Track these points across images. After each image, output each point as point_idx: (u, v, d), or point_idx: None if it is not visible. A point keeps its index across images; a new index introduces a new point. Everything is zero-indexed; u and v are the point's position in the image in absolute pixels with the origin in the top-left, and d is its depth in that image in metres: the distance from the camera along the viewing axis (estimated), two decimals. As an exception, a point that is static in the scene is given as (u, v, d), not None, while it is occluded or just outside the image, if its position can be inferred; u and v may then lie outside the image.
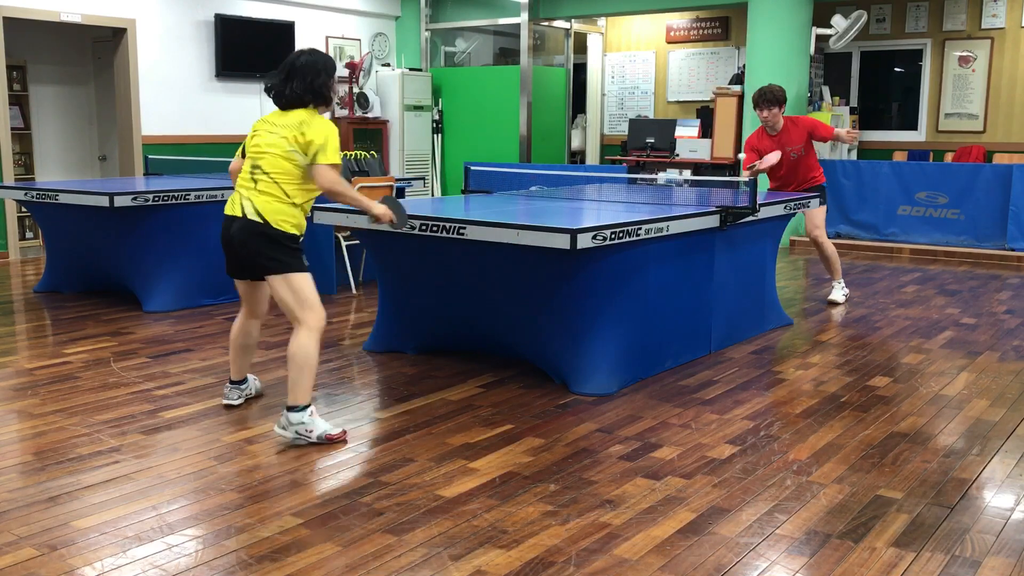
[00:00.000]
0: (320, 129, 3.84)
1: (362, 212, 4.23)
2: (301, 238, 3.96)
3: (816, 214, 6.86)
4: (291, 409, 3.85)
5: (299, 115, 3.89)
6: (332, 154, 3.82)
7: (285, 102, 3.93)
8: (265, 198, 3.86)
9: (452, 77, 12.17)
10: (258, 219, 3.84)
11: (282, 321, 6.19)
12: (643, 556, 2.89)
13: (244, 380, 4.42)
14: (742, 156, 6.79)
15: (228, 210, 3.97)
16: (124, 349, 5.43)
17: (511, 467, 3.62)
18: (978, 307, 6.90)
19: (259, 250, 3.87)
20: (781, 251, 8.75)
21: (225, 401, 4.38)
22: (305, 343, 3.84)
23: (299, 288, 3.88)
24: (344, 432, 3.95)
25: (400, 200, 4.38)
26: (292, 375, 3.84)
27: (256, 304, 4.28)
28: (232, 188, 4.10)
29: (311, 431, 3.84)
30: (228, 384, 4.41)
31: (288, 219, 3.88)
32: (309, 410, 3.86)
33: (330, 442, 3.87)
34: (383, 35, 12.10)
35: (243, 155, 4.06)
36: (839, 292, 7.03)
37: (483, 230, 4.41)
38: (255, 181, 3.89)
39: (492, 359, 5.15)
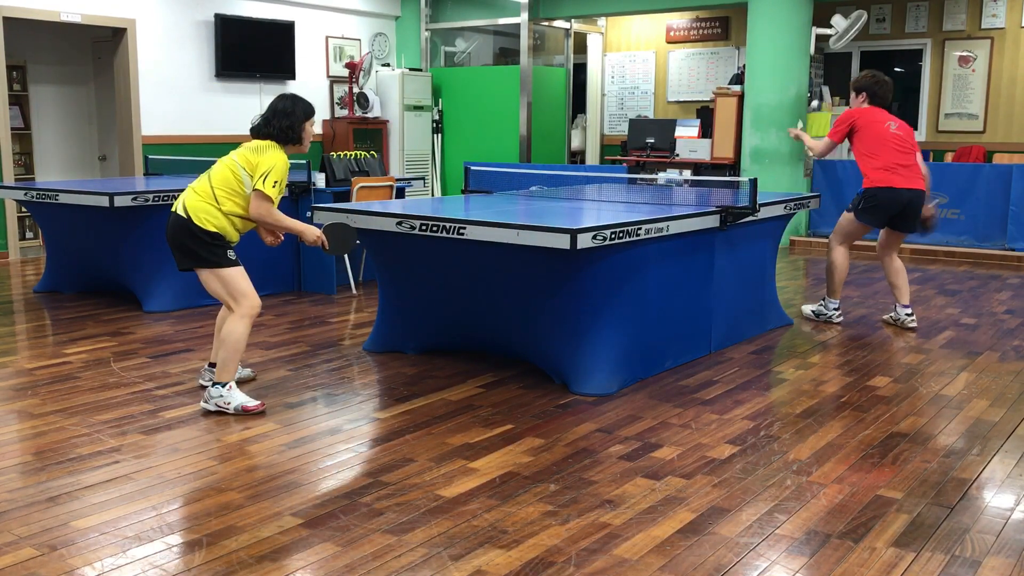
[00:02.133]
0: (270, 159, 4.21)
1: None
2: (228, 241, 4.28)
3: (840, 220, 6.27)
4: (213, 384, 4.28)
5: (263, 142, 4.30)
6: (268, 186, 4.17)
7: (260, 135, 4.33)
8: (194, 197, 4.25)
9: (452, 77, 12.18)
10: (183, 214, 4.23)
11: (282, 322, 6.19)
12: (643, 556, 2.89)
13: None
14: None
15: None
16: (124, 349, 5.43)
17: (511, 467, 3.62)
18: (978, 307, 6.90)
19: (183, 242, 4.25)
20: (781, 251, 8.74)
21: (200, 381, 4.65)
22: (235, 327, 4.23)
23: (228, 279, 4.25)
24: (262, 404, 4.30)
25: (345, 225, 4.53)
26: (221, 355, 4.27)
27: None
28: None
29: (229, 403, 4.24)
30: (206, 366, 4.66)
31: (210, 217, 4.21)
32: (228, 385, 4.27)
33: (246, 413, 4.22)
34: (383, 35, 12.10)
35: None
36: (812, 308, 6.41)
37: (483, 230, 4.41)
38: (196, 185, 4.29)
39: (492, 359, 5.15)
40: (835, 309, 6.34)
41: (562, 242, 4.13)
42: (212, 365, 4.57)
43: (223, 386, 4.25)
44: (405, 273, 5.21)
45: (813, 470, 3.63)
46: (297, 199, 6.99)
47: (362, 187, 7.06)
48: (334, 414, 4.29)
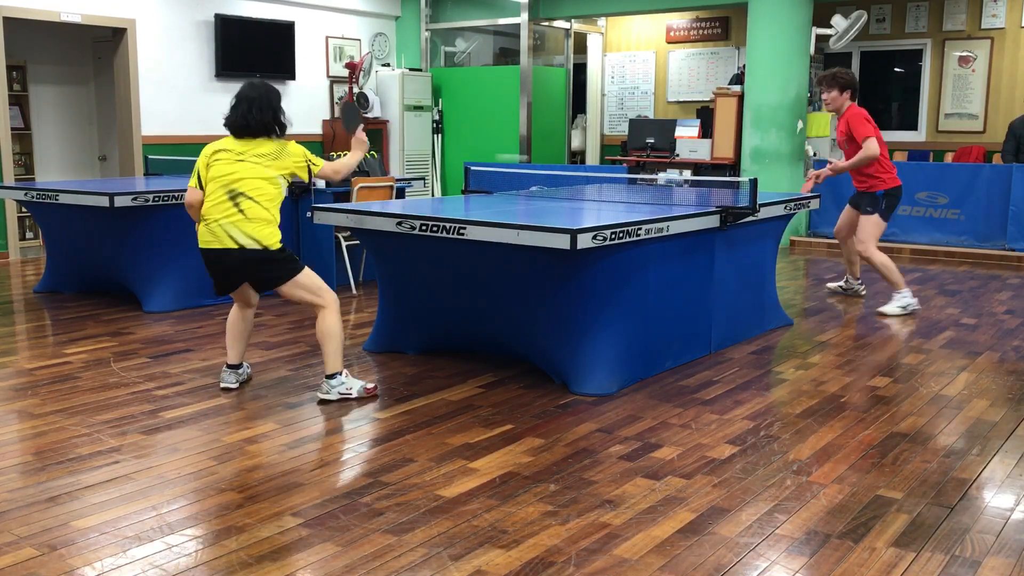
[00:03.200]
0: (292, 150, 4.40)
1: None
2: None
3: (864, 225, 6.49)
4: (329, 377, 4.42)
5: (269, 146, 4.35)
6: (316, 159, 4.49)
7: (251, 131, 4.34)
8: (256, 224, 4.27)
9: (452, 77, 12.17)
10: (257, 246, 4.27)
11: (283, 322, 6.19)
12: (643, 556, 2.89)
13: (240, 364, 4.69)
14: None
15: (214, 243, 4.28)
16: (124, 349, 5.43)
17: (511, 467, 3.62)
18: (978, 307, 6.90)
19: (262, 273, 4.37)
20: (781, 251, 8.74)
21: (223, 384, 4.63)
22: (330, 321, 4.38)
23: (306, 283, 4.39)
24: (376, 386, 4.54)
25: (352, 106, 5.01)
26: (326, 348, 4.40)
27: (249, 297, 4.60)
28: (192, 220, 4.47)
29: (350, 389, 4.43)
30: (226, 368, 4.65)
31: (276, 235, 4.34)
32: (344, 372, 4.45)
33: (368, 395, 4.45)
34: (383, 35, 12.10)
35: (200, 187, 4.36)
36: (894, 305, 6.55)
37: (483, 230, 4.41)
38: (240, 210, 4.26)
39: (492, 359, 5.15)
40: (912, 297, 6.63)
41: (562, 242, 4.13)
42: (230, 366, 4.64)
43: (339, 375, 4.41)
44: (405, 273, 5.21)
45: (813, 470, 3.63)
46: (297, 199, 6.99)
47: (362, 187, 7.06)
48: (334, 414, 4.29)
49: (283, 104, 4.45)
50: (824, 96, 6.55)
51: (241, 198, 4.25)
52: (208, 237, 4.29)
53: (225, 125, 4.38)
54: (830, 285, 7.52)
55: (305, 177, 4.51)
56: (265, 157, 4.32)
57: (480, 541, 2.98)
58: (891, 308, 6.56)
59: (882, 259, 6.52)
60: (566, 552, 2.91)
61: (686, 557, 2.89)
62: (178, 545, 2.94)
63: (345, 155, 4.75)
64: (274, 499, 3.30)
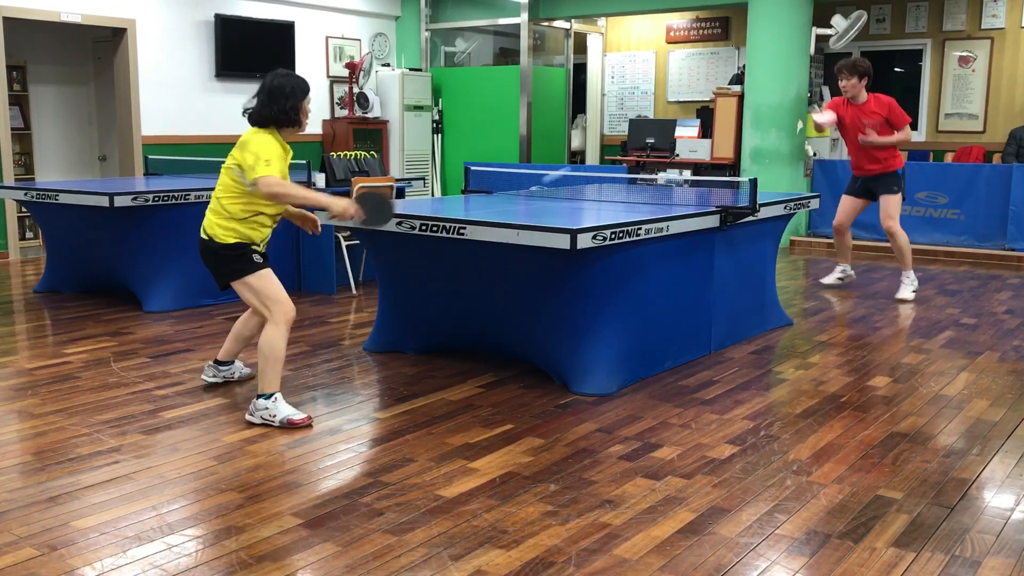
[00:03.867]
0: (254, 146, 4.00)
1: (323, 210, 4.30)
2: (253, 245, 4.16)
3: (890, 203, 6.94)
4: (259, 396, 4.12)
5: (245, 136, 4.09)
6: (262, 167, 3.95)
7: (263, 121, 4.10)
8: (210, 214, 4.18)
9: (452, 77, 12.17)
10: (205, 236, 4.17)
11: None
12: (643, 556, 2.89)
13: (228, 363, 4.67)
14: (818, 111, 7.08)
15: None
16: (124, 349, 5.43)
17: (511, 467, 3.62)
18: (978, 307, 6.90)
19: (212, 264, 4.22)
20: (781, 251, 8.75)
21: (204, 378, 4.67)
22: (271, 336, 4.09)
23: (258, 287, 4.14)
24: (309, 417, 4.13)
25: (383, 197, 4.45)
26: (260, 366, 4.12)
27: None
28: None
29: (274, 416, 4.08)
30: (211, 362, 4.69)
31: (224, 227, 4.11)
32: (273, 397, 4.10)
33: (292, 427, 4.05)
34: (383, 35, 12.10)
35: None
36: (908, 289, 7.05)
37: (483, 230, 4.41)
38: (210, 206, 4.21)
39: (492, 359, 5.15)
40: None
41: (562, 242, 4.13)
42: (217, 362, 4.63)
43: (267, 398, 4.08)
44: (405, 273, 5.21)
45: (813, 470, 3.63)
46: (297, 199, 6.98)
47: (362, 187, 7.05)
48: (334, 414, 4.29)
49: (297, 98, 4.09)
50: (843, 83, 6.84)
51: (214, 191, 4.21)
52: None
53: (243, 113, 4.17)
54: (825, 280, 7.69)
55: (247, 176, 4.01)
56: (234, 148, 4.10)
57: (480, 541, 2.98)
58: (906, 293, 7.00)
59: (906, 239, 7.03)
60: (566, 552, 2.91)
61: (686, 557, 2.89)
62: (178, 545, 2.93)
63: (311, 188, 4.31)
64: (274, 499, 3.29)
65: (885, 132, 6.84)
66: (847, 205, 7.26)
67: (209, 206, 4.20)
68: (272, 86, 4.06)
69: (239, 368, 4.72)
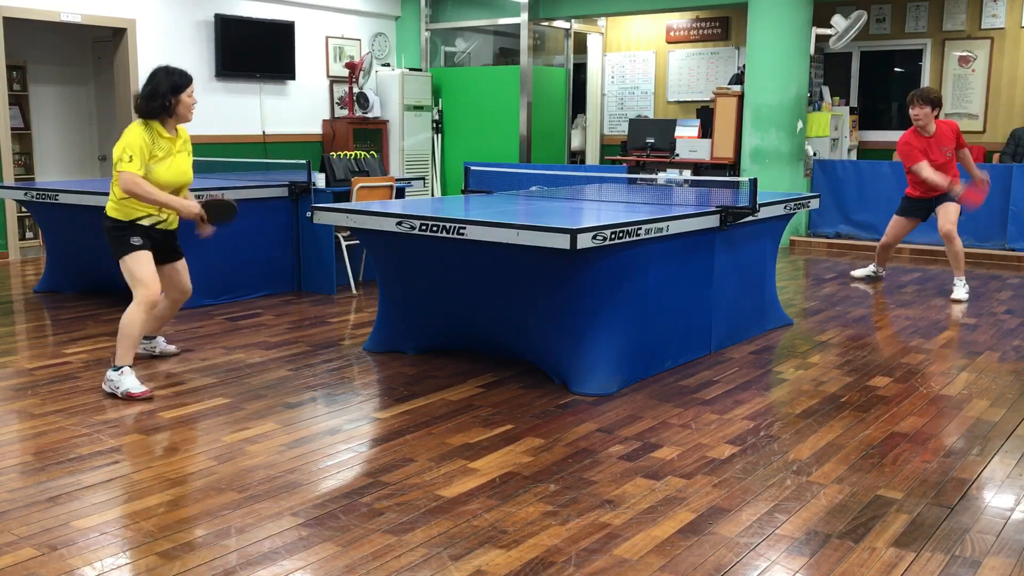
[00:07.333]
0: (124, 139, 4.46)
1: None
2: (130, 226, 4.54)
3: (951, 209, 7.08)
4: (111, 368, 4.49)
5: (128, 127, 4.53)
6: (124, 163, 4.41)
7: (143, 114, 4.54)
8: (109, 195, 4.61)
9: (452, 77, 12.17)
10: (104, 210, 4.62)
11: (282, 322, 6.19)
12: (643, 556, 2.89)
13: (153, 336, 5.15)
14: (950, 184, 7.06)
15: None
16: (124, 349, 5.42)
17: (511, 467, 3.62)
18: (978, 307, 6.90)
19: (105, 235, 4.60)
20: (781, 251, 8.74)
21: (143, 348, 5.11)
22: (131, 313, 4.49)
23: (129, 269, 4.53)
24: (148, 390, 4.46)
25: (226, 201, 4.87)
26: (118, 339, 4.50)
27: (162, 280, 4.74)
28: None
29: (117, 387, 4.42)
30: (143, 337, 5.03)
31: (114, 209, 4.54)
32: (121, 370, 4.45)
33: (130, 399, 4.37)
34: (383, 35, 12.10)
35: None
36: (962, 290, 7.13)
37: (483, 230, 4.41)
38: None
39: (492, 359, 5.15)
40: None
41: (562, 242, 4.13)
42: (146, 338, 5.09)
43: (116, 370, 4.45)
44: (405, 273, 5.21)
45: (813, 470, 3.63)
46: (297, 199, 6.99)
47: (362, 187, 7.06)
48: (334, 414, 4.29)
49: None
50: (915, 112, 6.99)
51: None
52: None
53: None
54: (856, 273, 8.01)
55: (113, 167, 4.51)
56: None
57: (480, 541, 2.98)
58: (960, 294, 7.10)
59: (961, 245, 7.15)
60: (566, 552, 2.91)
61: (686, 557, 2.89)
62: (178, 545, 2.93)
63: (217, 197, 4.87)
64: (274, 499, 3.30)
65: (954, 159, 7.10)
66: (899, 226, 7.47)
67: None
68: (146, 85, 4.52)
69: (160, 344, 5.20)
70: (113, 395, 4.43)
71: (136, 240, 4.52)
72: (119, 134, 4.66)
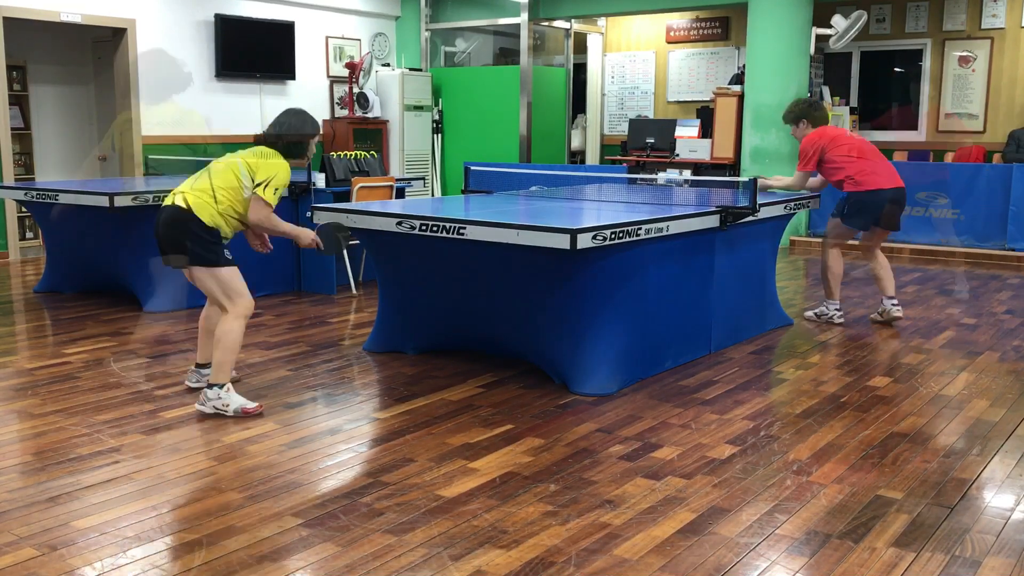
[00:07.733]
0: (274, 167, 4.27)
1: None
2: (223, 239, 4.28)
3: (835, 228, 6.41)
4: (210, 387, 4.22)
5: (268, 149, 4.36)
6: (269, 193, 4.23)
7: (268, 147, 4.38)
8: (196, 195, 4.23)
9: (452, 77, 12.17)
10: (184, 206, 4.20)
11: (282, 322, 6.19)
12: (643, 556, 2.89)
13: (208, 364, 4.53)
14: None
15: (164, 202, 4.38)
16: (124, 349, 5.43)
17: (511, 467, 3.62)
18: (978, 307, 6.90)
19: (177, 238, 4.21)
20: (781, 251, 8.73)
21: (188, 383, 4.62)
22: (232, 327, 4.21)
23: (225, 279, 4.23)
24: (260, 406, 4.26)
25: (339, 224, 4.72)
26: (216, 356, 4.20)
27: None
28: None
29: (228, 405, 4.20)
30: (193, 368, 4.64)
31: (210, 216, 4.21)
32: (226, 387, 4.22)
33: (246, 415, 4.19)
34: (383, 35, 12.10)
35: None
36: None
37: (483, 230, 4.41)
38: (195, 184, 4.30)
39: (492, 359, 5.15)
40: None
41: (562, 242, 4.13)
42: (199, 366, 4.58)
43: (220, 387, 4.20)
44: (405, 273, 5.21)
45: (813, 470, 3.63)
46: (297, 199, 6.99)
47: (362, 187, 7.06)
48: (334, 414, 4.29)
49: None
50: (799, 133, 6.43)
51: (203, 178, 4.32)
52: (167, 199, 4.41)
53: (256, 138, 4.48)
54: (872, 317, 6.51)
55: (251, 184, 4.28)
56: (253, 153, 4.37)
57: (480, 541, 2.98)
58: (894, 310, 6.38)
59: (885, 263, 6.43)
60: (566, 552, 2.91)
61: (686, 557, 2.89)
62: (178, 545, 2.93)
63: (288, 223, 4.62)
64: (274, 499, 3.30)
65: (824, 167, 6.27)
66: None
67: (192, 184, 4.28)
68: (291, 124, 4.39)
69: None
70: (218, 414, 4.19)
71: (229, 254, 4.30)
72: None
